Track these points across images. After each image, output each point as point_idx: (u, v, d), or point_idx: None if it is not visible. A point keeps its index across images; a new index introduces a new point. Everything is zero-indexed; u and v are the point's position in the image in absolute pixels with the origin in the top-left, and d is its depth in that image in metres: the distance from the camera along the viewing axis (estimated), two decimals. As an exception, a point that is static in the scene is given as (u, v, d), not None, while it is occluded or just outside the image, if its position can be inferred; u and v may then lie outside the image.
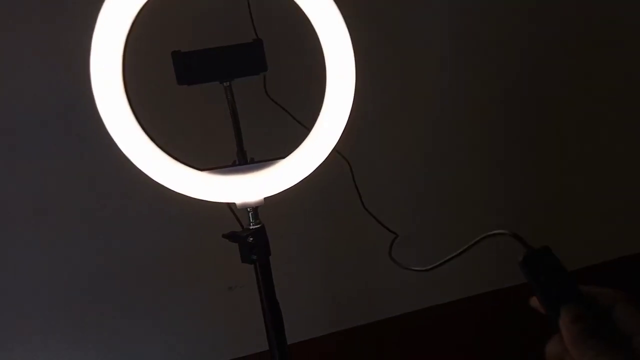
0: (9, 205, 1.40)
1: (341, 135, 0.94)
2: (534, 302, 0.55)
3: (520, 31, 1.67)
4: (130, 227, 1.49)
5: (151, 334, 1.57)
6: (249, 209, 0.99)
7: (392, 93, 1.59)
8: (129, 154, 0.90)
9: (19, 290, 1.45)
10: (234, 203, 0.97)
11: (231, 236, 1.00)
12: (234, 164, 0.97)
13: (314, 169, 0.95)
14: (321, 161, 0.94)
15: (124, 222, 1.48)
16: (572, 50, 1.72)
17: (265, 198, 0.97)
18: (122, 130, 0.89)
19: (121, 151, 0.90)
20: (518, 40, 1.67)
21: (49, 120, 1.37)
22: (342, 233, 1.65)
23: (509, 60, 1.68)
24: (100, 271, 1.49)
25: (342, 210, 1.56)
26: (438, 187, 1.71)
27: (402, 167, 1.67)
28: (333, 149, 0.94)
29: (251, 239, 0.98)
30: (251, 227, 1.00)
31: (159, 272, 1.54)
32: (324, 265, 1.67)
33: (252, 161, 0.97)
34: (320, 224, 1.63)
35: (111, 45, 0.85)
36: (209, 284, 1.58)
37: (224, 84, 0.93)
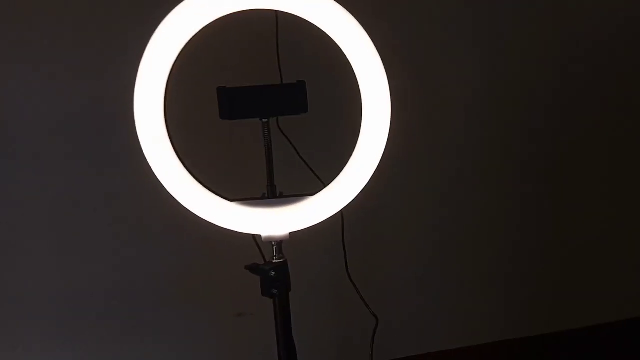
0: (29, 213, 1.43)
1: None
2: None
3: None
4: (149, 246, 1.51)
5: (158, 353, 1.57)
6: (273, 243, 1.00)
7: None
8: (163, 178, 0.92)
9: (31, 297, 1.47)
10: (260, 235, 0.98)
11: (253, 268, 1.00)
12: (262, 197, 0.98)
13: (341, 208, 0.96)
14: (349, 201, 0.95)
15: (144, 239, 1.50)
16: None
17: (290, 233, 0.98)
18: (158, 155, 0.91)
19: (154, 174, 0.92)
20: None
21: (77, 132, 1.41)
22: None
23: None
24: (114, 287, 1.51)
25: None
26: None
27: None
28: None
29: (274, 273, 0.98)
30: (274, 261, 1.00)
31: (171, 291, 1.55)
32: (333, 300, 1.66)
33: (281, 195, 0.97)
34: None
35: (157, 75, 0.87)
36: (218, 308, 1.58)
37: (263, 120, 0.95)
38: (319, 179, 1.03)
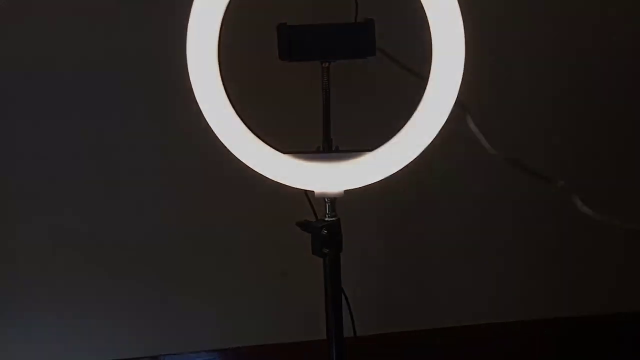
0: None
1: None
2: None
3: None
4: (192, 197, 1.49)
5: (204, 307, 1.56)
6: (326, 200, 0.95)
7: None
8: (215, 125, 0.87)
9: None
10: (312, 191, 0.93)
11: (304, 225, 0.96)
12: (317, 151, 0.92)
13: (402, 166, 0.89)
14: (411, 159, 0.88)
15: (189, 190, 1.48)
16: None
17: (345, 191, 0.92)
18: (211, 102, 0.86)
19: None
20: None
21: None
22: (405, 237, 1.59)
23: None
24: (155, 239, 1.50)
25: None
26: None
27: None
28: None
29: (325, 231, 0.93)
30: (326, 219, 0.96)
31: (216, 247, 1.53)
32: (382, 267, 1.62)
33: (337, 150, 0.92)
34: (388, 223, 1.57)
35: (209, 12, 0.82)
36: (263, 266, 1.55)
37: (324, 64, 0.88)
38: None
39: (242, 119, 0.88)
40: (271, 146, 0.89)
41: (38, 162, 1.42)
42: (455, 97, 0.84)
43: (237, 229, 1.52)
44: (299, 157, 0.90)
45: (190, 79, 0.85)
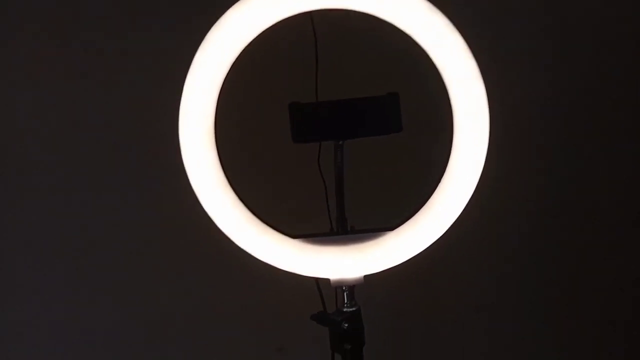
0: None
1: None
2: None
3: None
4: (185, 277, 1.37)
5: None
6: (344, 288, 0.82)
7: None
8: (213, 213, 0.77)
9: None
10: (326, 279, 0.81)
11: (321, 318, 0.83)
12: (331, 233, 0.81)
13: (427, 245, 0.78)
14: (438, 236, 0.77)
15: (182, 270, 1.36)
16: None
17: (365, 276, 0.80)
18: (206, 184, 0.76)
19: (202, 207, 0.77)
20: None
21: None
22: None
23: None
24: (150, 319, 1.38)
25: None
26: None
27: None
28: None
29: (346, 324, 0.81)
30: (345, 310, 0.83)
31: (206, 326, 1.39)
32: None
33: (354, 230, 0.81)
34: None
35: (204, 91, 0.73)
36: (257, 342, 1.42)
37: (339, 141, 0.78)
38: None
39: (244, 203, 0.78)
40: (278, 230, 0.78)
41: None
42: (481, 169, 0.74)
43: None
44: (311, 242, 0.79)
45: (184, 163, 0.76)
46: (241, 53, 0.74)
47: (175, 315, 1.38)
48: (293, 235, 0.79)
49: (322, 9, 0.72)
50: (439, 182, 0.76)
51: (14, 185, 1.30)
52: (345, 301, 0.83)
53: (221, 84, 0.75)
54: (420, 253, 0.78)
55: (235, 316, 1.39)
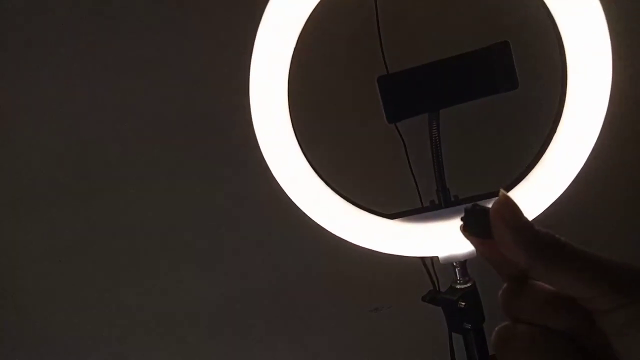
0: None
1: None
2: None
3: None
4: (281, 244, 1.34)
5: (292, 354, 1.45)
6: (455, 264, 0.75)
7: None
8: (297, 199, 0.71)
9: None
10: (434, 257, 0.74)
11: (433, 299, 0.77)
12: (434, 206, 0.73)
13: (544, 208, 0.68)
14: (555, 198, 0.68)
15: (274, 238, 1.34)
16: None
17: (477, 248, 0.72)
18: (287, 169, 0.70)
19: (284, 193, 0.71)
20: None
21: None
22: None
23: None
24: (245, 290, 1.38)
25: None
26: None
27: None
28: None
29: (463, 303, 0.74)
30: (458, 287, 0.76)
31: (305, 290, 1.40)
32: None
33: (459, 201, 0.72)
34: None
35: (275, 61, 0.66)
36: (353, 304, 1.42)
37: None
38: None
39: (330, 186, 0.71)
40: (374, 212, 0.72)
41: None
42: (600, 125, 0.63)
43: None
44: (411, 220, 0.72)
45: (261, 147, 0.70)
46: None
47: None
48: (390, 216, 0.72)
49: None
50: (552, 137, 0.66)
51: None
52: (458, 278, 0.76)
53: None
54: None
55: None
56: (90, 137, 1.21)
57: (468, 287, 0.75)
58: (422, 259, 0.78)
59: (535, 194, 0.66)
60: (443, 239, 0.71)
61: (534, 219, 0.66)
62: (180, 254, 1.33)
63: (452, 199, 0.73)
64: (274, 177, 0.70)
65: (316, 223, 0.70)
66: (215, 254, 1.34)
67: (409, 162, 1.08)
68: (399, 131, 1.07)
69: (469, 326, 0.74)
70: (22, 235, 1.27)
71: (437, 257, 0.73)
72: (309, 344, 1.45)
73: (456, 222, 0.70)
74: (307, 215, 0.71)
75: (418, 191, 1.13)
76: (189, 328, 1.39)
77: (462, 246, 0.71)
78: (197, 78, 1.17)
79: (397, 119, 0.67)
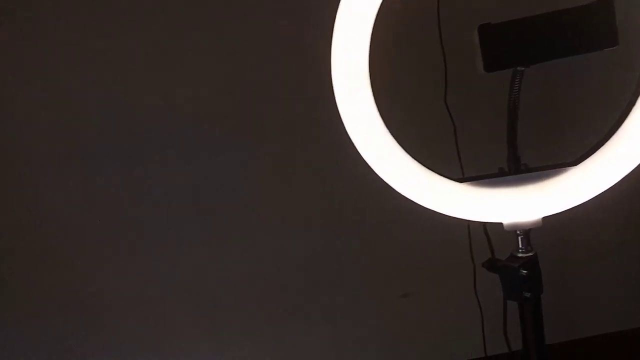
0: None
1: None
2: None
3: None
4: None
5: (319, 337, 1.47)
6: (518, 232, 0.76)
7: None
8: (370, 158, 0.73)
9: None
10: (498, 223, 0.75)
11: (493, 266, 0.78)
12: (502, 173, 0.74)
13: (618, 179, 0.68)
14: (631, 168, 0.68)
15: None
16: None
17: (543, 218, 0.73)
18: (363, 129, 0.71)
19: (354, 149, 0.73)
20: None
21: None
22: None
23: None
24: (273, 271, 1.41)
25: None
26: None
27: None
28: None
29: (525, 271, 0.75)
30: (519, 255, 0.77)
31: (333, 274, 1.42)
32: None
33: (528, 169, 0.73)
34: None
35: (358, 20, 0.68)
36: (381, 289, 1.43)
37: (519, 67, 0.69)
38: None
39: (403, 149, 0.73)
40: (444, 176, 0.73)
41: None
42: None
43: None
44: (480, 185, 0.73)
45: (338, 105, 0.72)
46: None
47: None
48: (459, 179, 0.73)
49: None
50: (632, 108, 0.66)
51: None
52: (520, 246, 0.77)
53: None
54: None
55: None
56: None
57: (530, 256, 0.76)
58: (484, 225, 0.79)
59: (614, 162, 0.66)
60: (510, 206, 0.72)
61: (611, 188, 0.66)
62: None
63: (522, 167, 0.74)
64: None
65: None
66: (253, 228, 1.38)
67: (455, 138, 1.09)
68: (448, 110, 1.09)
69: (528, 294, 0.75)
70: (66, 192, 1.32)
71: (502, 223, 0.74)
72: (338, 323, 1.48)
73: (525, 190, 0.71)
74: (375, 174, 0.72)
75: (460, 164, 1.14)
76: (223, 298, 1.44)
77: (530, 215, 0.72)
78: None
79: (493, 69, 0.68)
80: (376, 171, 0.73)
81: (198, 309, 1.44)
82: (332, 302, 1.43)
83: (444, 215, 0.73)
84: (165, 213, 1.34)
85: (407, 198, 0.73)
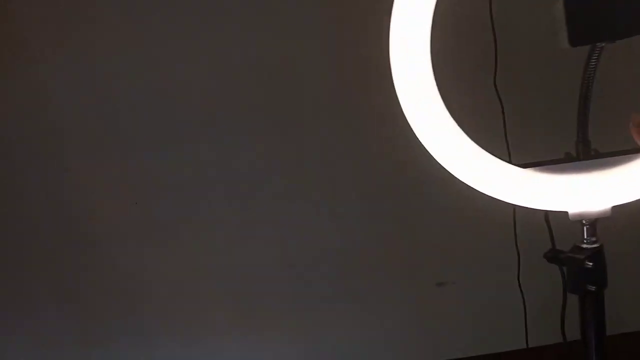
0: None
1: None
2: None
3: None
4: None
5: (353, 324, 1.47)
6: (584, 222, 0.72)
7: None
8: (428, 142, 0.69)
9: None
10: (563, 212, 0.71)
11: (555, 257, 0.74)
12: (569, 159, 0.70)
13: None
14: None
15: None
16: None
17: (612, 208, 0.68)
18: (423, 111, 0.68)
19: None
20: None
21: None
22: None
23: None
24: (311, 259, 1.41)
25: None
26: None
27: None
28: None
29: (590, 263, 0.70)
30: (584, 247, 0.73)
31: (369, 264, 1.41)
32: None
33: (598, 154, 0.69)
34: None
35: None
36: (418, 278, 1.42)
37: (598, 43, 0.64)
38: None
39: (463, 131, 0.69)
40: (506, 161, 0.69)
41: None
42: None
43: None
44: (545, 170, 0.68)
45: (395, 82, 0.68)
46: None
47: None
48: (522, 165, 0.69)
49: None
50: None
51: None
52: (586, 237, 0.72)
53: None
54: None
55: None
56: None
57: (596, 247, 0.72)
58: (546, 214, 0.75)
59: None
60: (576, 194, 0.68)
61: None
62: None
63: (592, 153, 0.69)
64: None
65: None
66: (290, 213, 1.35)
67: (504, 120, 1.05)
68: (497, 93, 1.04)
69: (593, 288, 0.71)
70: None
71: (567, 212, 0.70)
72: (374, 308, 1.45)
73: (593, 177, 0.66)
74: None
75: (508, 150, 1.10)
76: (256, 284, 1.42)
77: (599, 204, 0.68)
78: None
79: (579, 43, 0.63)
80: (433, 155, 0.70)
81: (230, 294, 1.43)
82: (369, 288, 1.41)
83: (489, 203, 0.69)
84: (200, 200, 1.33)
85: (456, 182, 0.69)
